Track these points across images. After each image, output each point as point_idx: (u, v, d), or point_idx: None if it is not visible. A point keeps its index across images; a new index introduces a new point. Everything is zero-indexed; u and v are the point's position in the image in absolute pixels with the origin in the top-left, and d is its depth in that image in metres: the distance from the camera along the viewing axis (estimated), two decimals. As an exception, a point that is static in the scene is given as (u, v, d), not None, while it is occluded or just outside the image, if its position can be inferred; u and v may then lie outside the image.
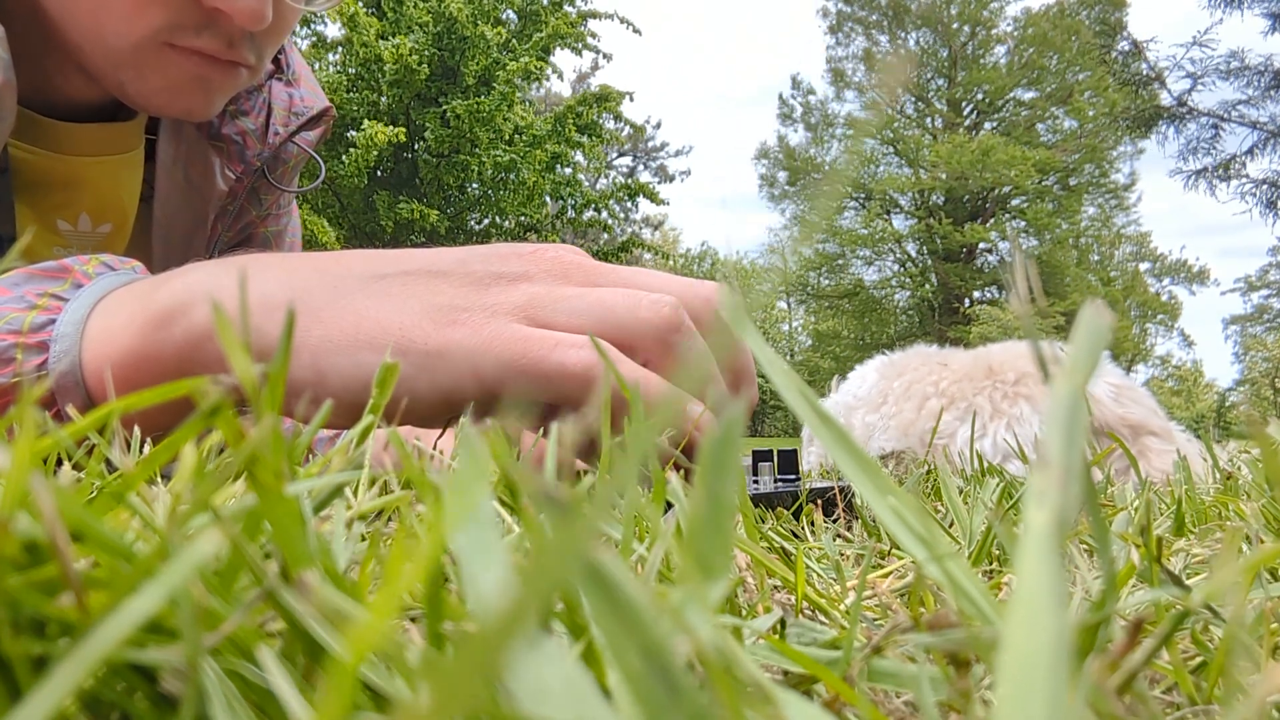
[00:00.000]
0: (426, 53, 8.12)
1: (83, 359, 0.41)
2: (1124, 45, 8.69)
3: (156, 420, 0.41)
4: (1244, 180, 8.90)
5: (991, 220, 21.45)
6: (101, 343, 0.41)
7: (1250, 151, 8.89)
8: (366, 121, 7.61)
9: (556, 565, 0.08)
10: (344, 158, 7.72)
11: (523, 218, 8.92)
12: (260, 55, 0.64)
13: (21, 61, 0.61)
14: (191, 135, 0.76)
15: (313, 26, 8.14)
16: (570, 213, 9.05)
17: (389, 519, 0.26)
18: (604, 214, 9.34)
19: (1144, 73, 8.61)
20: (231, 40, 0.61)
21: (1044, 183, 20.89)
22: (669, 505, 0.24)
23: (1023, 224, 21.33)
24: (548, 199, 8.94)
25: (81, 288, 0.43)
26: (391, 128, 7.42)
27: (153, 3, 0.58)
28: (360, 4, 8.13)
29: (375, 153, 7.53)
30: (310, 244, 7.54)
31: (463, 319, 0.39)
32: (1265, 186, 8.89)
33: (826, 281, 23.27)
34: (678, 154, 25.79)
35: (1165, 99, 8.67)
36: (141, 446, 0.33)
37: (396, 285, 0.41)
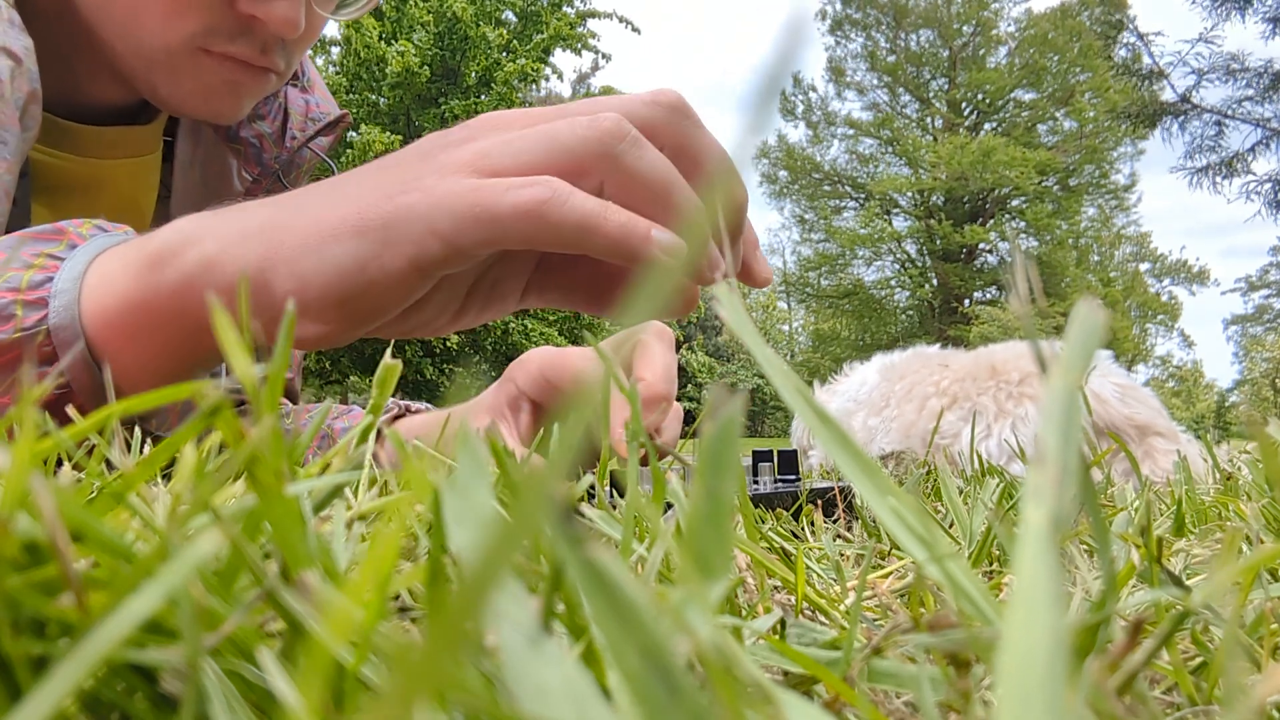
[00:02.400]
0: (428, 53, 8.12)
1: (82, 311, 0.42)
2: (1128, 38, 8.67)
3: (162, 374, 0.42)
4: (1250, 178, 8.88)
5: (991, 221, 21.46)
6: (99, 292, 0.42)
7: (1254, 149, 8.87)
8: (364, 125, 7.61)
9: (524, 523, 0.08)
10: (340, 159, 7.73)
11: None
12: (289, 62, 0.65)
13: (50, 63, 0.62)
14: (209, 137, 0.77)
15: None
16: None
17: (389, 519, 0.26)
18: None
19: (1148, 67, 8.58)
20: (264, 46, 0.62)
21: (1044, 183, 20.90)
22: (669, 505, 0.24)
23: (1022, 225, 21.35)
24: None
25: (76, 248, 0.44)
26: (389, 134, 7.43)
27: (189, 8, 0.59)
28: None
29: (372, 156, 7.54)
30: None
31: (413, 185, 0.39)
32: (1270, 184, 8.87)
33: (826, 281, 23.28)
34: (678, 154, 25.72)
35: (1169, 95, 8.65)
36: (142, 447, 0.33)
37: (354, 182, 0.41)
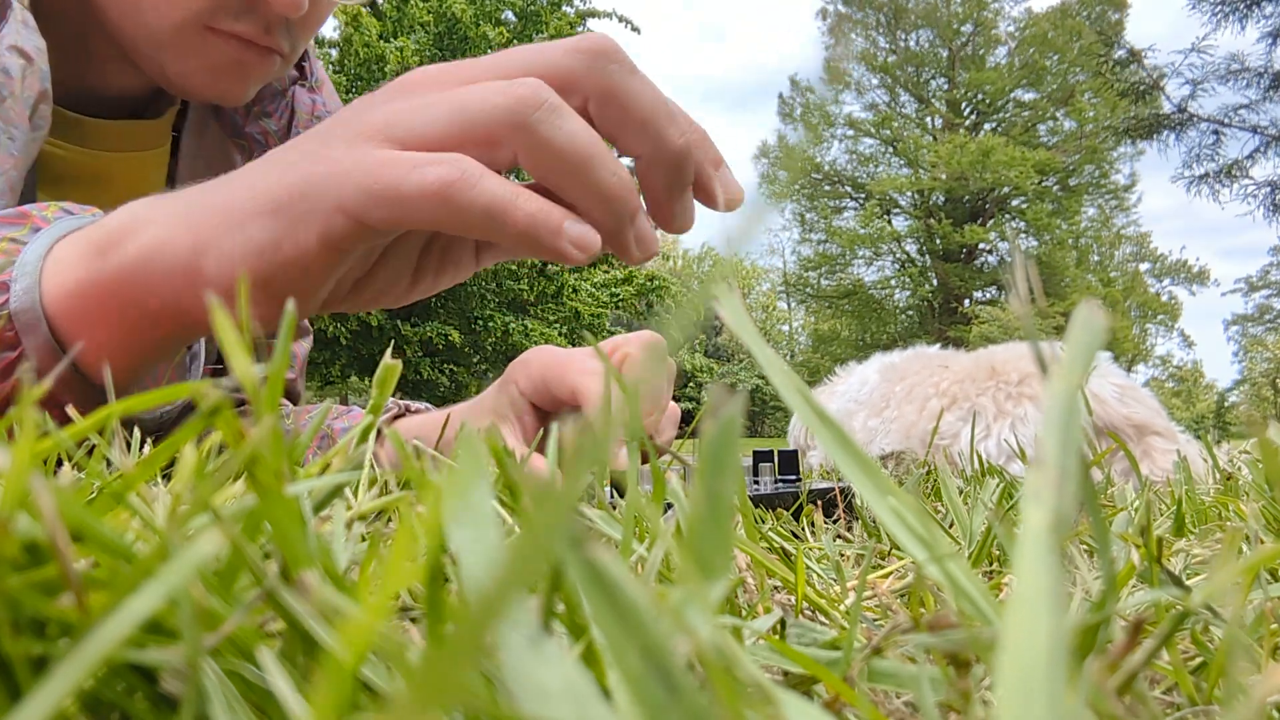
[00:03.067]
0: (427, 53, 8.12)
1: (42, 295, 0.41)
2: (1121, 54, 8.66)
3: (120, 359, 0.42)
4: (1247, 183, 8.87)
5: (991, 221, 21.46)
6: (55, 278, 0.42)
7: (1252, 155, 8.87)
8: None
9: (540, 543, 0.08)
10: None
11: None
12: (294, 44, 0.66)
13: (60, 52, 0.62)
14: (215, 132, 0.78)
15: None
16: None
17: (389, 519, 0.26)
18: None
19: (1143, 81, 8.58)
20: (269, 26, 0.63)
21: (1044, 183, 20.90)
22: (668, 505, 0.24)
23: (1022, 224, 21.35)
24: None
25: (39, 231, 0.44)
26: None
27: None
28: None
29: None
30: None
31: (324, 155, 0.38)
32: (1268, 189, 8.87)
33: (826, 282, 23.28)
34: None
35: (1165, 106, 8.65)
36: (142, 446, 0.33)
37: (289, 150, 0.40)
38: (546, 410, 0.65)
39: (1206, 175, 8.84)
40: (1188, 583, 0.23)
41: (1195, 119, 8.63)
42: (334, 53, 8.46)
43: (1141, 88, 8.56)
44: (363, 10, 7.86)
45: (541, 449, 0.59)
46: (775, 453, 0.55)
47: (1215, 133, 8.74)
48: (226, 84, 0.65)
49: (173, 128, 0.78)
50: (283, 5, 0.60)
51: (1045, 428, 0.13)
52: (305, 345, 0.87)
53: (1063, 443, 0.12)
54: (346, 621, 0.12)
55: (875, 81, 22.97)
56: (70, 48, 0.65)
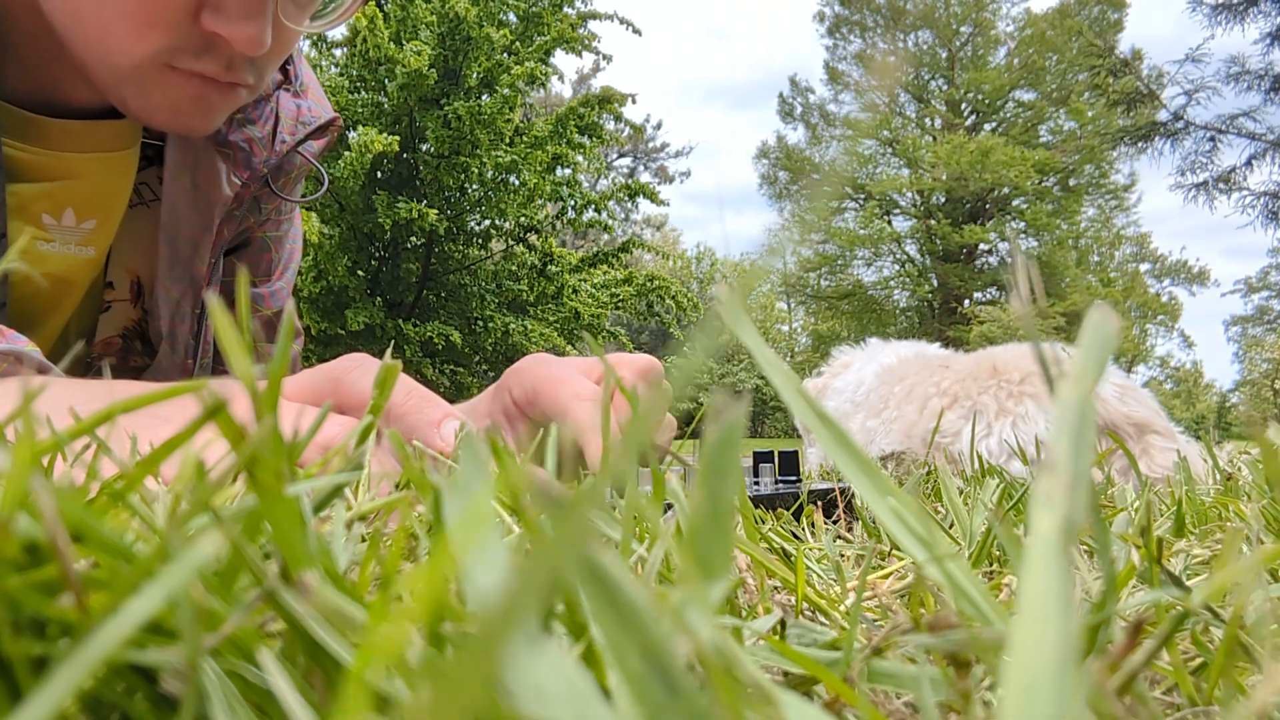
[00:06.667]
0: (432, 54, 8.11)
1: None
2: (1115, 64, 8.64)
3: None
4: (1245, 193, 8.84)
5: (991, 221, 21.46)
6: None
7: (1249, 163, 8.84)
8: (361, 128, 7.59)
9: (554, 561, 0.08)
10: (339, 160, 7.71)
11: (522, 219, 8.90)
12: (260, 75, 0.65)
13: (30, 69, 0.62)
14: (199, 142, 0.78)
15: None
16: (570, 213, 9.03)
17: (388, 519, 0.26)
18: (604, 215, 9.31)
19: (1137, 91, 8.56)
20: (230, 63, 0.62)
21: (1044, 183, 20.90)
22: (669, 505, 0.24)
23: (1022, 225, 21.35)
24: (545, 201, 8.90)
25: None
26: (387, 135, 7.39)
27: (154, 26, 0.59)
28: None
29: (370, 157, 7.52)
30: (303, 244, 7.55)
31: None
32: (1266, 198, 8.85)
33: (826, 282, 23.28)
34: (678, 154, 25.87)
35: (1161, 115, 8.63)
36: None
37: None
38: (538, 423, 0.65)
39: (1205, 183, 8.82)
40: (1188, 583, 0.23)
41: (1191, 126, 8.62)
42: (339, 53, 8.46)
43: (1136, 98, 8.56)
44: (377, 13, 7.86)
45: (536, 454, 0.59)
46: (775, 453, 0.55)
47: (1211, 139, 8.73)
48: (188, 119, 0.65)
49: (156, 136, 0.77)
50: (244, 44, 0.59)
51: (1056, 433, 0.13)
52: (296, 346, 0.87)
53: (1074, 448, 0.12)
54: (368, 638, 0.12)
55: (874, 82, 22.94)
56: (39, 66, 0.65)
